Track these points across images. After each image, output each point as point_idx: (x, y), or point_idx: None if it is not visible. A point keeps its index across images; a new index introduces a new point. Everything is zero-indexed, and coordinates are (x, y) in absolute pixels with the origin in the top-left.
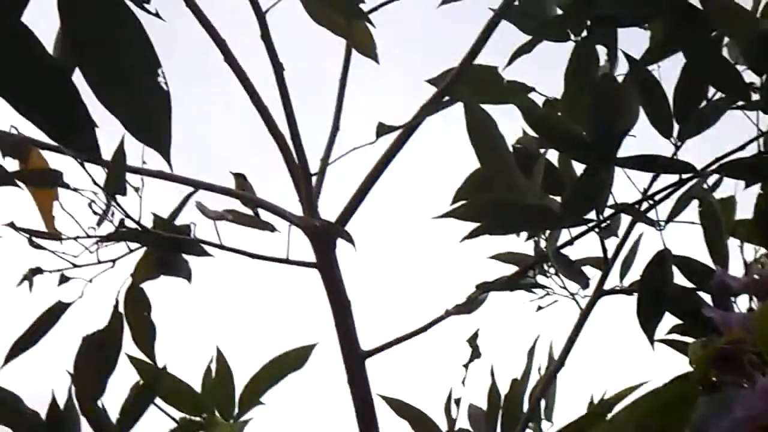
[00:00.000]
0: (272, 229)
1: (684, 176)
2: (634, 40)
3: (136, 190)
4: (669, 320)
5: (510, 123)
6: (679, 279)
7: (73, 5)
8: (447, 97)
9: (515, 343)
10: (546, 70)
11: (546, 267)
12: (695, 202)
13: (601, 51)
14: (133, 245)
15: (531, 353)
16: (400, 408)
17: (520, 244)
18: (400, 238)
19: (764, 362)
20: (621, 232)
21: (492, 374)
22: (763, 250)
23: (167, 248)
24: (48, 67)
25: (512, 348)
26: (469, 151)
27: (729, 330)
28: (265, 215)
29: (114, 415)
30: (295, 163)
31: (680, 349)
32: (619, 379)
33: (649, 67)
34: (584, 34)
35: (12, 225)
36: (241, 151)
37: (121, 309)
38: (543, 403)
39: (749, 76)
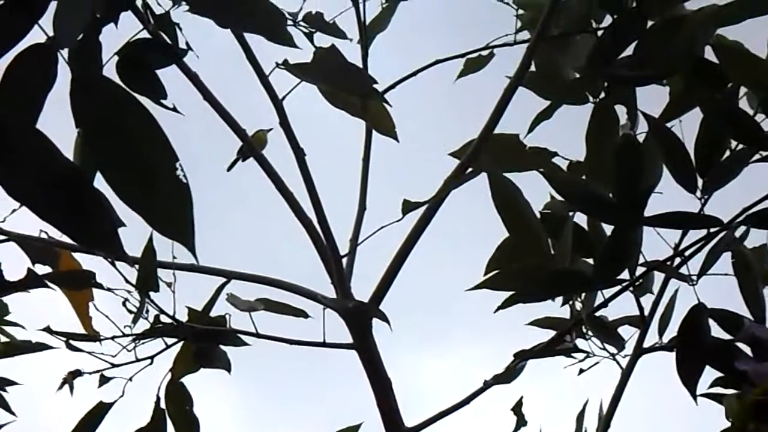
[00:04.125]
0: (305, 315)
1: (712, 230)
2: (653, 97)
3: (169, 285)
4: (712, 374)
5: (536, 189)
6: (718, 332)
7: (88, 109)
8: (470, 169)
9: (560, 408)
10: (567, 133)
11: (584, 329)
12: (727, 254)
13: (621, 110)
14: (170, 340)
15: (580, 418)
16: None
17: (557, 308)
18: (434, 311)
19: None
20: (656, 288)
21: None
22: None
23: (204, 341)
24: (65, 170)
25: (558, 413)
26: (498, 221)
27: (764, 381)
28: (299, 300)
29: None
30: (325, 246)
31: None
32: None
33: (670, 123)
34: (602, 95)
35: (49, 329)
36: (270, 239)
37: (162, 405)
38: None
39: None
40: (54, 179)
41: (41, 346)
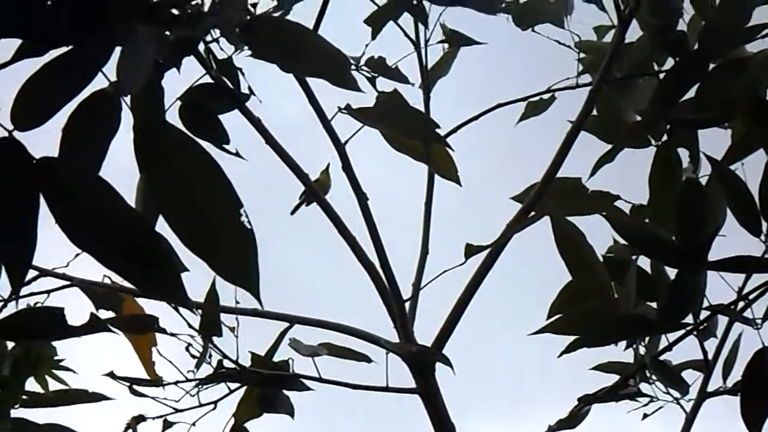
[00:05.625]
0: (368, 360)
1: None
2: (715, 139)
3: (232, 330)
4: None
5: (599, 232)
6: None
7: (151, 155)
8: (533, 213)
9: None
10: (629, 176)
11: (648, 374)
12: None
13: (683, 153)
14: (233, 385)
15: None
16: None
17: (620, 352)
18: (496, 354)
19: None
20: (720, 332)
21: None
22: None
23: (267, 385)
24: (128, 218)
25: None
26: (561, 264)
27: None
28: (361, 344)
29: None
30: (387, 290)
31: None
32: None
33: (732, 165)
34: (665, 138)
35: (112, 375)
36: (333, 283)
37: None
38: None
39: None
40: (117, 227)
41: (97, 396)
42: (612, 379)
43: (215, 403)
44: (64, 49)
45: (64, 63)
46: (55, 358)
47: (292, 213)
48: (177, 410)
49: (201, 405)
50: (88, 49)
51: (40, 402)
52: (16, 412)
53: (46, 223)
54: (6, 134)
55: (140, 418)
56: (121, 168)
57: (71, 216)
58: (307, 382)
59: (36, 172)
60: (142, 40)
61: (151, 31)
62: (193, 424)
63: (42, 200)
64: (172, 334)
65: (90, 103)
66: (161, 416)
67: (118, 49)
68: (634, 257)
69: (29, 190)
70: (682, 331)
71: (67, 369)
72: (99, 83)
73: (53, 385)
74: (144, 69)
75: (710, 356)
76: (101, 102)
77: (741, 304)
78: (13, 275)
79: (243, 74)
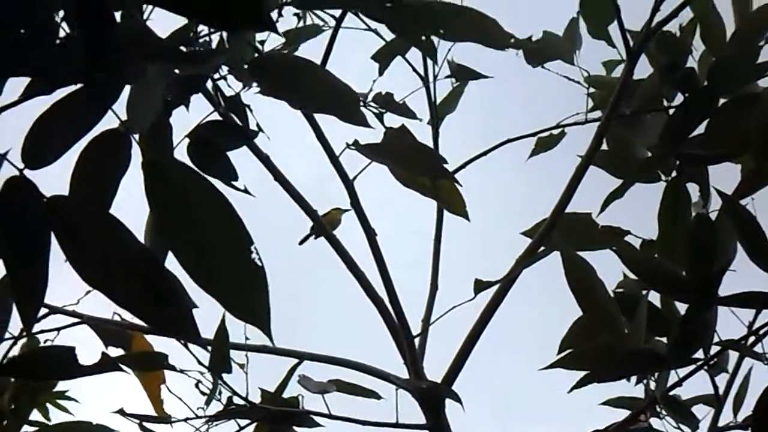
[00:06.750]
0: (378, 396)
1: None
2: (724, 173)
3: (242, 366)
4: None
5: (608, 267)
6: None
7: (160, 192)
8: (542, 248)
9: None
10: (639, 211)
11: (658, 409)
12: None
13: (693, 188)
14: (243, 422)
15: None
16: None
17: (631, 387)
18: (506, 389)
19: None
20: (730, 366)
21: None
22: None
23: (278, 422)
24: (138, 256)
25: None
26: (571, 299)
27: None
28: (371, 380)
29: None
30: (397, 326)
31: None
32: None
33: (743, 201)
34: (674, 173)
35: (122, 412)
36: (342, 319)
37: None
38: None
39: None
40: (127, 265)
41: (102, 429)
42: (622, 414)
43: None
44: (73, 88)
45: (74, 101)
46: (57, 389)
47: (301, 243)
48: None
49: None
50: (98, 88)
51: None
52: None
53: (56, 260)
54: (17, 173)
55: None
56: (129, 201)
57: (82, 254)
58: (317, 418)
59: (47, 211)
60: (152, 79)
61: (160, 70)
62: None
63: (53, 238)
64: (182, 371)
65: (100, 142)
66: None
67: (127, 87)
68: (644, 292)
69: (40, 228)
70: (693, 366)
71: (69, 398)
72: (108, 121)
73: (59, 417)
74: (153, 107)
75: (721, 391)
76: (111, 140)
77: (751, 339)
78: (24, 312)
79: (251, 111)
